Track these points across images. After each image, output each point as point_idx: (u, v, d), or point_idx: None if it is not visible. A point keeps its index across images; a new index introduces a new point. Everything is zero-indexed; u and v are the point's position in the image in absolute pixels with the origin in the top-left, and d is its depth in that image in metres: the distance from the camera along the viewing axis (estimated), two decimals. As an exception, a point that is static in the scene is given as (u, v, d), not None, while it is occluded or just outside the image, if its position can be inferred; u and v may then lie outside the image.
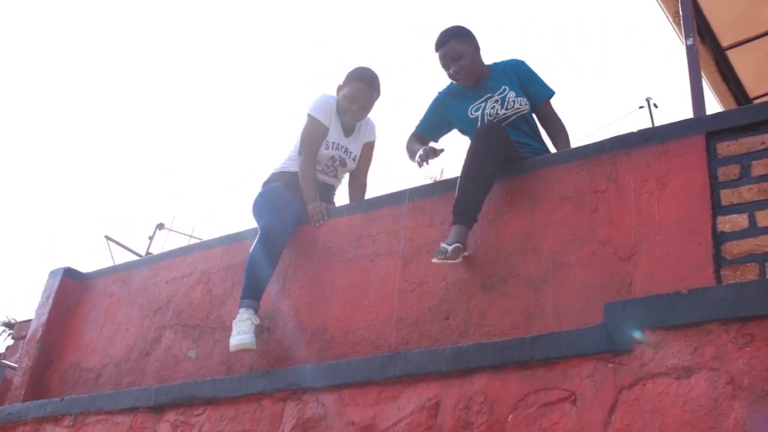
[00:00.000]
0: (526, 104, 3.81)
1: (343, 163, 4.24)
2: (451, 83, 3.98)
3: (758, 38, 5.43)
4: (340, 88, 4.22)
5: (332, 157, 4.18)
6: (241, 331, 3.54)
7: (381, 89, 4.26)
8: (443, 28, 3.94)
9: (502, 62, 3.96)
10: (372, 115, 4.32)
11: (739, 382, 2.29)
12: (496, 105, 3.79)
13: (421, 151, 3.68)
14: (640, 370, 2.47)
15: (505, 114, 3.77)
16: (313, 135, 4.11)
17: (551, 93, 3.89)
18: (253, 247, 3.80)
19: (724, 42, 5.53)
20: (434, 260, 3.16)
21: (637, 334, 2.50)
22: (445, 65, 3.88)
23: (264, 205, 4.00)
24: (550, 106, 3.90)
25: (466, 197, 3.26)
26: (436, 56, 3.93)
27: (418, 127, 4.07)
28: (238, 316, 3.61)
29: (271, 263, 3.76)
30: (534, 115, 3.90)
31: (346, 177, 4.41)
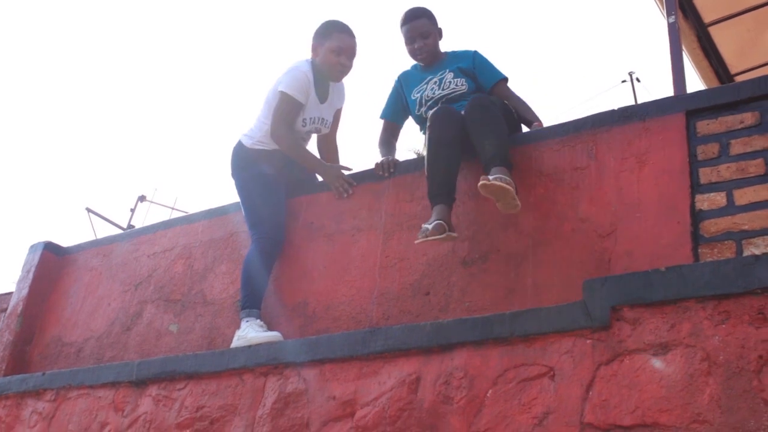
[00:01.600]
0: (463, 85, 3.82)
1: (318, 131, 4.16)
2: (409, 68, 4.08)
3: (740, 15, 5.45)
4: (316, 48, 4.01)
5: (308, 131, 4.10)
6: (264, 329, 3.50)
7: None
8: (413, 6, 4.02)
9: (456, 51, 4.04)
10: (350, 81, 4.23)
11: (714, 359, 2.32)
12: (434, 87, 3.87)
13: (383, 161, 3.75)
14: (618, 346, 2.49)
15: (441, 94, 3.84)
16: (289, 113, 3.94)
17: (500, 77, 3.89)
18: (251, 254, 3.74)
19: (707, 18, 5.53)
20: (416, 242, 3.17)
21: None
22: (412, 39, 3.94)
23: (260, 203, 3.90)
24: (504, 88, 3.88)
25: (434, 179, 3.30)
26: (402, 29, 3.98)
27: (381, 115, 4.12)
28: (246, 324, 3.55)
29: (270, 270, 3.74)
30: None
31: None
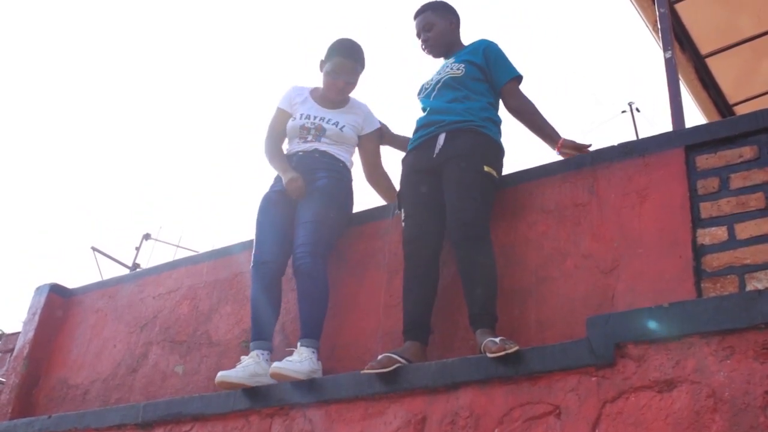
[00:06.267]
0: (459, 70, 3.60)
1: (321, 129, 3.91)
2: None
3: (737, 45, 5.51)
4: (322, 64, 4.02)
5: (303, 126, 3.93)
6: (246, 362, 3.43)
7: (364, 60, 4.06)
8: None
9: (475, 41, 3.81)
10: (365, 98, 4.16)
11: (720, 395, 2.32)
12: (436, 75, 3.72)
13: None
14: (623, 383, 2.49)
15: (437, 79, 3.68)
16: (273, 122, 4.02)
17: (513, 75, 3.64)
18: None
19: (704, 50, 5.59)
20: (362, 371, 3.04)
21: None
22: (418, 34, 3.88)
23: (255, 225, 3.82)
24: (513, 86, 3.64)
25: (406, 315, 3.25)
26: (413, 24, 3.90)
27: None
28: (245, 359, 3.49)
29: (265, 296, 3.61)
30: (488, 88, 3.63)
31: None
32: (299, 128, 3.94)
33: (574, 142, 3.43)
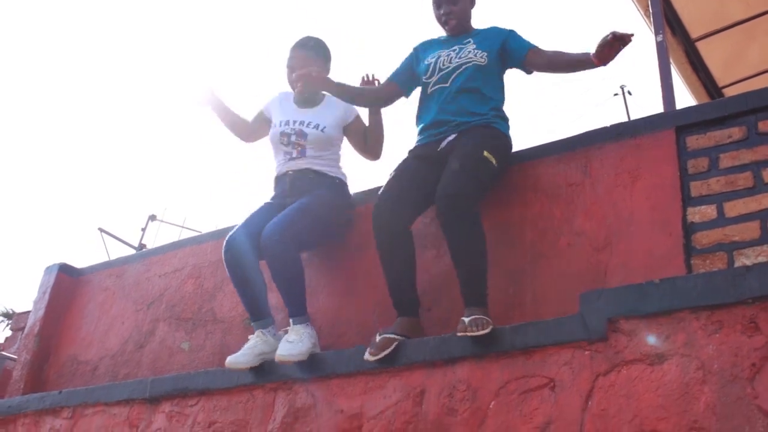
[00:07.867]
0: (483, 58, 3.44)
1: (301, 135, 3.82)
2: (432, 38, 3.73)
3: (726, 30, 5.54)
4: None
5: (282, 133, 3.85)
6: (254, 345, 3.46)
7: (322, 49, 3.99)
8: None
9: (491, 27, 3.64)
10: None
11: (708, 368, 2.37)
12: (452, 53, 3.51)
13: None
14: (615, 357, 2.54)
15: (458, 63, 3.47)
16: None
17: (532, 45, 3.48)
18: None
19: (694, 34, 5.63)
20: (365, 358, 3.06)
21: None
22: (438, 3, 3.60)
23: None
24: (533, 50, 3.47)
25: (391, 292, 3.26)
26: None
27: (389, 77, 3.72)
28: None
29: (242, 274, 3.57)
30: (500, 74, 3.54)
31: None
32: (279, 135, 3.86)
33: (605, 40, 3.10)
